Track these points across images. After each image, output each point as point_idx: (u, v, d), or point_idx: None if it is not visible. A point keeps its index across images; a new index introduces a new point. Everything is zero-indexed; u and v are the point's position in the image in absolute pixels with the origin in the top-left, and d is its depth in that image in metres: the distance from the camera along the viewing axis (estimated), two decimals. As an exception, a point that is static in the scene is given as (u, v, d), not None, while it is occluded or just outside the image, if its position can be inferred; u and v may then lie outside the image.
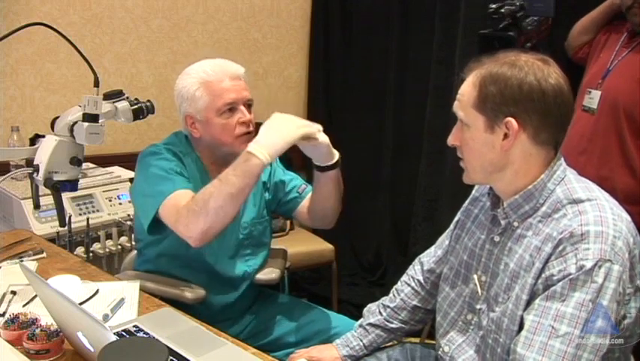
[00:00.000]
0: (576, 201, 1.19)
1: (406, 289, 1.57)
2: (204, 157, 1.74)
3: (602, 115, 2.10)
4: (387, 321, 1.55)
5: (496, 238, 1.30)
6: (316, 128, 1.54)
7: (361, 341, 1.54)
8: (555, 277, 1.13)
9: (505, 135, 1.20)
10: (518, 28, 2.03)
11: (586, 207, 1.17)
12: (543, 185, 1.22)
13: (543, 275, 1.16)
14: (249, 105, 1.70)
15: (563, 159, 1.26)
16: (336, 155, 1.64)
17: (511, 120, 1.19)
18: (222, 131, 1.66)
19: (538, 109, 1.18)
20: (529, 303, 1.17)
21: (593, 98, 2.13)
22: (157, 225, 1.61)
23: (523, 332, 1.15)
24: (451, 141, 1.30)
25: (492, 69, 1.22)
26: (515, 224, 1.26)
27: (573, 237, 1.14)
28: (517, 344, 1.15)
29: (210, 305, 1.71)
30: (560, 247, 1.14)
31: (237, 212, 1.54)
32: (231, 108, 1.65)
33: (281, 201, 1.84)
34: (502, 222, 1.28)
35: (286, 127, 1.50)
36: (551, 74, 1.19)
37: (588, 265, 1.10)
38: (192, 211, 1.49)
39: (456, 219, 1.50)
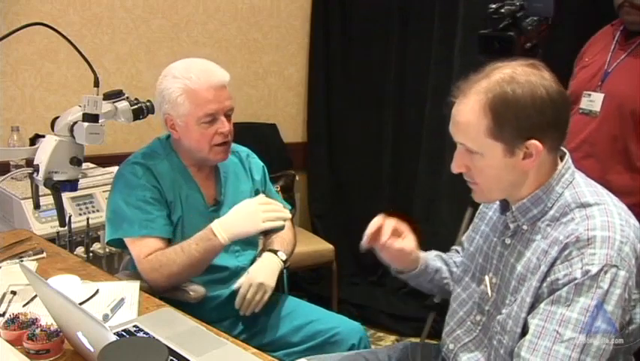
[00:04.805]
0: (584, 205, 1.17)
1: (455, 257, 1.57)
2: (184, 158, 1.79)
3: (605, 119, 2.04)
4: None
5: (507, 241, 1.29)
6: (280, 224, 1.65)
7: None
8: (560, 282, 1.12)
9: (525, 155, 1.17)
10: (518, 28, 2.02)
11: (593, 211, 1.16)
12: (551, 188, 1.21)
13: (548, 279, 1.15)
14: (229, 115, 1.73)
15: (571, 161, 1.25)
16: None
17: (534, 142, 1.16)
18: (200, 139, 1.70)
19: (553, 121, 1.17)
20: (532, 306, 1.17)
21: (593, 101, 2.07)
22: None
23: (528, 336, 1.14)
24: (455, 169, 1.26)
25: (497, 91, 1.16)
26: (524, 227, 1.25)
27: (579, 241, 1.12)
28: (521, 348, 1.14)
29: (205, 301, 1.72)
30: (566, 252, 1.13)
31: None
32: (211, 119, 1.68)
33: None
34: (512, 226, 1.27)
35: (252, 220, 1.62)
36: (550, 80, 1.17)
37: (594, 270, 1.10)
38: (155, 271, 1.66)
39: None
